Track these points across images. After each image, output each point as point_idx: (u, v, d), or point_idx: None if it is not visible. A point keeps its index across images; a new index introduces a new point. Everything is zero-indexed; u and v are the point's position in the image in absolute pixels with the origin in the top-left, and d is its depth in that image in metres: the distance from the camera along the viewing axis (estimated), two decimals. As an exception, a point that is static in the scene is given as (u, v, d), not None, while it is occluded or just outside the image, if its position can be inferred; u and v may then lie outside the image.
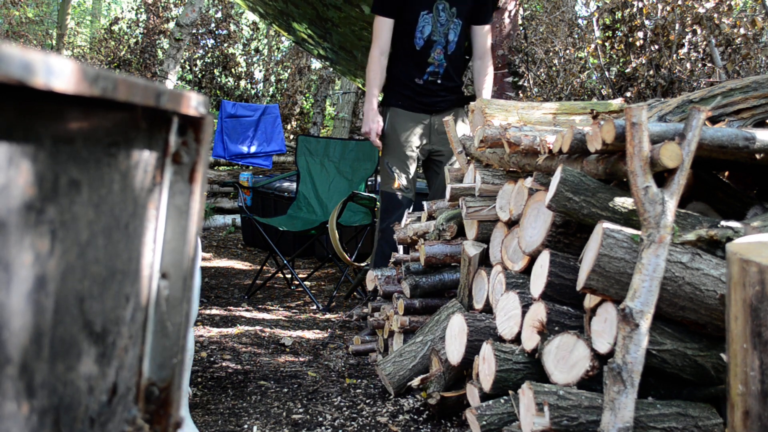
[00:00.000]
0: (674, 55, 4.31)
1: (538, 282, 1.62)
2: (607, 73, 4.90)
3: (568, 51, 5.44)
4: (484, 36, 3.15)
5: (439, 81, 3.06)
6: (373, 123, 2.98)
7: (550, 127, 2.05)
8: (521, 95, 5.58)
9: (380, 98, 3.17)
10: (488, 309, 1.97)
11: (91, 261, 0.55)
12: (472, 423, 1.59)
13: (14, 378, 0.47)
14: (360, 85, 6.01)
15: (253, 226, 4.14)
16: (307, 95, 11.48)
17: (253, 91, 11.10)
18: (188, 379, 2.04)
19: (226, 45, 10.88)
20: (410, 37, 3.01)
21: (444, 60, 3.05)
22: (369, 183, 4.63)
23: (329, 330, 3.18)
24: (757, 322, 0.93)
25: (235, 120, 6.23)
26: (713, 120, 1.68)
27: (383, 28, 2.98)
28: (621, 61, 4.86)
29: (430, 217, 2.66)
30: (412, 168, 3.11)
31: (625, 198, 1.51)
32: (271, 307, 3.71)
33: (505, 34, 5.89)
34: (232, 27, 11.11)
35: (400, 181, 3.05)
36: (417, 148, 3.09)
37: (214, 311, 3.45)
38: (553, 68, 5.55)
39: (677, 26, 4.31)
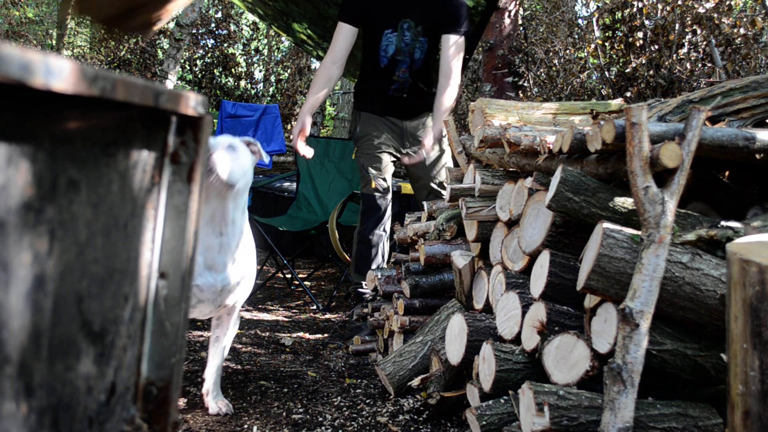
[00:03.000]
0: (674, 55, 4.31)
1: (538, 282, 1.62)
2: (607, 73, 4.90)
3: (568, 51, 5.44)
4: (449, 49, 2.87)
5: (405, 95, 2.98)
6: (296, 127, 2.78)
7: (550, 127, 2.05)
8: (521, 95, 5.59)
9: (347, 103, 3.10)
10: (488, 309, 1.97)
11: (90, 261, 0.55)
12: (472, 423, 1.59)
13: (13, 378, 0.47)
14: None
15: (253, 226, 4.14)
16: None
17: (253, 91, 11.10)
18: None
19: (226, 45, 10.89)
20: (375, 55, 2.93)
21: (409, 77, 2.95)
22: (369, 183, 4.63)
23: (329, 330, 3.18)
24: (757, 322, 0.93)
25: (235, 120, 6.24)
26: (713, 120, 1.68)
27: (340, 34, 2.85)
28: (621, 61, 4.86)
29: (430, 217, 2.66)
30: (388, 169, 3.05)
31: (625, 198, 1.51)
32: (271, 307, 3.71)
33: (505, 35, 5.89)
34: (232, 27, 11.12)
35: (376, 181, 3.00)
36: (390, 149, 3.04)
37: (214, 311, 3.45)
38: (553, 68, 5.55)
39: (677, 26, 4.31)
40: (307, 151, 2.78)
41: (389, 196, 3.05)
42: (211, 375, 2.02)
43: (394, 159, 3.10)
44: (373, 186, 2.99)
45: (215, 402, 2.01)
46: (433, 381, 2.00)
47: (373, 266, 3.02)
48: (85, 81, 0.45)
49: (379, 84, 2.96)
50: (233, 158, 1.79)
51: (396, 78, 2.96)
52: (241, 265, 1.91)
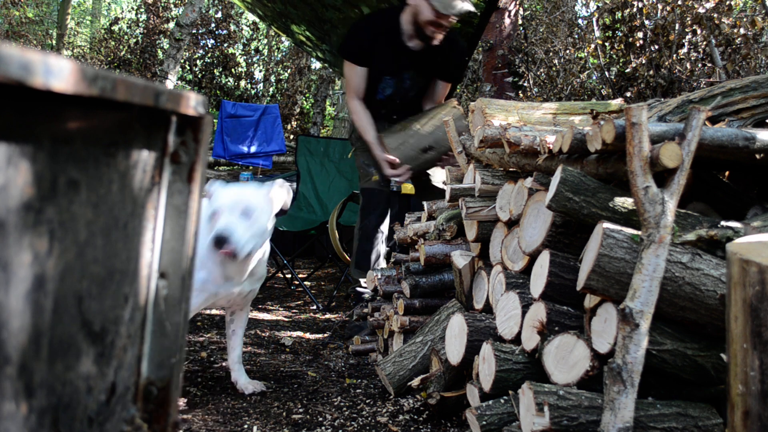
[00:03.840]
0: (674, 55, 4.31)
1: (538, 282, 1.62)
2: (607, 73, 4.90)
3: (568, 51, 5.44)
4: (441, 90, 3.15)
5: (394, 116, 3.09)
6: (384, 162, 2.90)
7: (550, 127, 2.05)
8: (521, 95, 5.58)
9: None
10: (488, 309, 1.97)
11: (90, 261, 0.55)
12: (472, 423, 1.59)
13: (13, 378, 0.47)
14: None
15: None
16: (307, 95, 11.48)
17: (253, 91, 11.11)
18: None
19: (226, 45, 10.89)
20: (373, 89, 3.01)
21: (401, 107, 3.10)
22: (369, 183, 4.63)
23: (329, 330, 3.18)
24: (757, 322, 0.93)
25: (235, 120, 6.23)
26: (713, 120, 1.68)
27: (357, 75, 2.93)
28: (621, 61, 4.86)
29: (430, 217, 2.66)
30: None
31: (625, 198, 1.51)
32: (271, 307, 3.71)
33: (505, 35, 5.89)
34: (232, 27, 11.12)
35: (377, 175, 3.04)
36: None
37: (214, 311, 3.45)
38: (553, 68, 5.54)
39: (677, 26, 4.31)
40: (407, 179, 2.94)
41: (388, 191, 3.08)
42: (237, 363, 2.22)
43: None
44: (375, 179, 3.02)
45: (249, 384, 2.20)
46: (433, 381, 2.00)
47: (373, 258, 3.04)
48: (85, 81, 0.45)
49: (372, 106, 3.06)
50: (248, 226, 1.84)
51: (388, 107, 3.09)
52: (256, 273, 2.09)
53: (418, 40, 2.90)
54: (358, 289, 3.08)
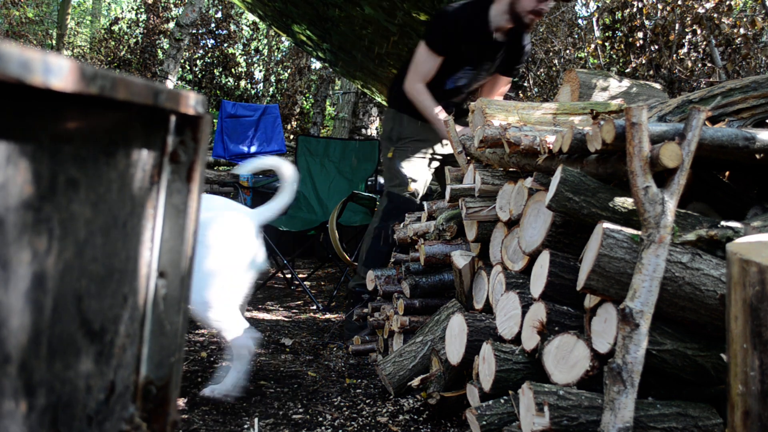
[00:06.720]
0: (674, 55, 4.31)
1: (538, 282, 1.62)
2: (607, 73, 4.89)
3: (568, 51, 5.44)
4: (503, 85, 3.12)
5: (452, 110, 3.06)
6: (441, 116, 2.86)
7: (550, 127, 2.05)
8: (521, 95, 5.58)
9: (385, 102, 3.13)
10: (488, 309, 1.97)
11: (89, 260, 0.55)
12: (472, 423, 1.59)
13: (13, 376, 0.47)
14: (359, 86, 5.99)
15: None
16: (307, 95, 11.48)
17: (253, 91, 11.11)
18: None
19: (226, 45, 10.89)
20: (443, 78, 2.95)
21: (461, 103, 3.12)
22: (369, 183, 4.63)
23: (329, 330, 3.18)
24: (757, 322, 0.93)
25: (235, 120, 6.23)
26: (713, 120, 1.68)
27: (431, 62, 2.88)
28: (621, 61, 4.86)
29: (430, 217, 2.66)
30: (426, 174, 3.08)
31: (625, 198, 1.51)
32: (271, 307, 3.71)
33: (506, 35, 5.88)
34: (232, 27, 11.12)
35: (415, 186, 3.02)
36: (430, 154, 3.09)
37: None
38: (553, 68, 5.54)
39: (677, 26, 4.31)
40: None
41: (419, 200, 3.07)
42: None
43: (432, 164, 3.14)
44: (410, 190, 3.01)
45: None
46: (433, 381, 2.00)
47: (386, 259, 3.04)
48: (84, 79, 0.45)
49: (438, 96, 3.00)
50: None
51: (451, 101, 3.05)
52: None
53: (501, 33, 2.89)
54: (358, 289, 3.07)
